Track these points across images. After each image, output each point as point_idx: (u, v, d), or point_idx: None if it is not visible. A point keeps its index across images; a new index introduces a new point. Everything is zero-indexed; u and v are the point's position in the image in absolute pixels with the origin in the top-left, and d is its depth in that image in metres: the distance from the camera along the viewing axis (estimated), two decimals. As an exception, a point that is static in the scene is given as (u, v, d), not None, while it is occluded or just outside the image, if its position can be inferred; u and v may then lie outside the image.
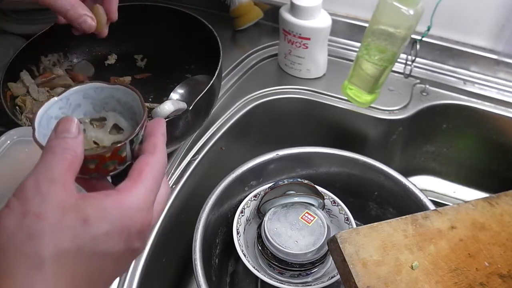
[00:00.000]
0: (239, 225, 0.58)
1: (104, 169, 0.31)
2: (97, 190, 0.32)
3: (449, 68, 0.72)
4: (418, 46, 0.64)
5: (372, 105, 0.68)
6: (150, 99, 0.67)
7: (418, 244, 0.45)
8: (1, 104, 0.58)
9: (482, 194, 0.77)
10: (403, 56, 0.67)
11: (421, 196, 0.56)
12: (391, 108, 0.68)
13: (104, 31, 0.53)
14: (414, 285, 0.42)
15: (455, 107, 0.69)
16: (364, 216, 0.66)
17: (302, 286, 0.54)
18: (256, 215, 0.62)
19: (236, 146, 0.70)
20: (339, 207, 0.60)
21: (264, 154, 0.61)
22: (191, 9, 0.69)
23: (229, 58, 0.73)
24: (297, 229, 0.56)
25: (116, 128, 0.35)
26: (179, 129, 0.56)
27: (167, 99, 0.62)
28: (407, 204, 0.57)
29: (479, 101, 0.69)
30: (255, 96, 0.71)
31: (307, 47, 0.68)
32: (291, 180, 0.59)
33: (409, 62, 0.67)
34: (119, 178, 0.31)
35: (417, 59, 0.67)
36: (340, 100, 0.70)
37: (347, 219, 0.59)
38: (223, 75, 0.70)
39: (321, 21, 0.66)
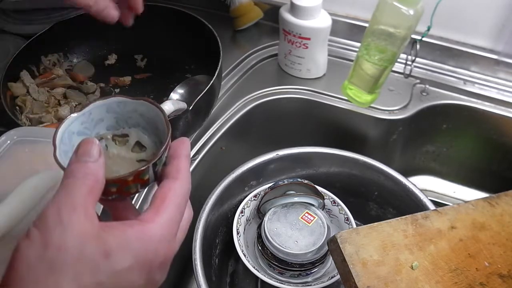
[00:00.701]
0: (239, 225, 0.58)
1: (125, 192, 0.30)
2: (119, 211, 0.32)
3: (449, 68, 0.72)
4: (418, 46, 0.63)
5: (372, 105, 0.68)
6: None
7: (418, 244, 0.45)
8: (1, 104, 0.58)
9: (482, 194, 0.77)
10: (403, 56, 0.67)
11: (421, 196, 0.56)
12: (391, 108, 0.68)
13: (130, 20, 0.54)
14: (414, 285, 0.42)
15: (455, 107, 0.69)
16: (364, 216, 0.66)
17: (302, 286, 0.54)
18: (256, 215, 0.62)
19: (236, 146, 0.70)
20: (339, 207, 0.60)
21: (264, 154, 0.61)
22: (191, 9, 0.69)
23: (229, 58, 0.73)
24: (297, 229, 0.56)
25: (139, 145, 0.34)
26: (179, 129, 0.56)
27: (167, 99, 0.62)
28: (407, 204, 0.57)
29: (479, 101, 0.69)
30: (255, 96, 0.71)
31: (307, 47, 0.68)
32: (291, 180, 0.59)
33: (409, 62, 0.67)
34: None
35: (417, 59, 0.67)
36: (340, 100, 0.70)
37: (347, 219, 0.59)
38: (223, 75, 0.70)
39: (321, 21, 0.66)
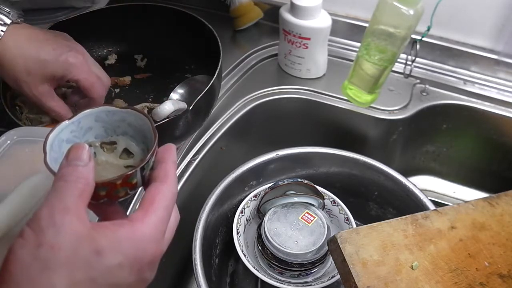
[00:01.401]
0: (239, 225, 0.58)
1: (114, 195, 0.31)
2: (108, 215, 0.33)
3: (449, 68, 0.72)
4: (418, 46, 0.64)
5: (372, 105, 0.68)
6: (150, 99, 0.67)
7: (418, 244, 0.45)
8: (1, 104, 0.58)
9: (482, 194, 0.77)
10: (403, 56, 0.67)
11: (421, 196, 0.56)
12: (391, 108, 0.68)
13: None
14: (414, 285, 0.42)
15: (455, 107, 0.69)
16: (364, 216, 0.66)
17: (302, 286, 0.54)
18: (256, 215, 0.62)
19: (236, 146, 0.70)
20: (339, 207, 0.60)
21: (264, 154, 0.61)
22: (191, 9, 0.69)
23: (229, 58, 0.73)
24: (297, 229, 0.56)
25: (127, 152, 0.35)
26: (179, 129, 0.56)
27: (167, 99, 0.62)
28: (407, 204, 0.57)
29: (479, 101, 0.69)
30: (255, 96, 0.71)
31: (307, 47, 0.68)
32: (291, 180, 0.59)
33: (409, 62, 0.67)
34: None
35: (417, 59, 0.67)
36: (340, 100, 0.70)
37: (347, 219, 0.59)
38: (223, 75, 0.70)
39: (321, 21, 0.66)
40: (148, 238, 0.28)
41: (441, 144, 0.75)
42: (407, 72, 0.68)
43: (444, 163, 0.77)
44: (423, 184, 0.79)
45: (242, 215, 0.59)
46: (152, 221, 0.29)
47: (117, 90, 0.69)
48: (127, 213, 0.51)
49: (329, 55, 0.72)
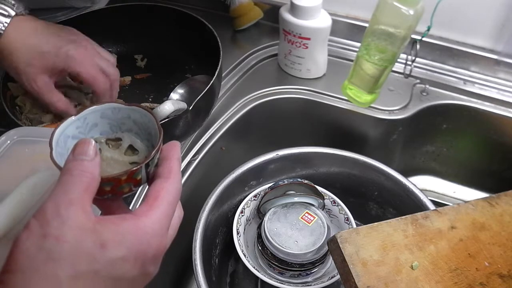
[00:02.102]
0: (239, 225, 0.58)
1: (119, 191, 0.31)
2: (112, 211, 0.33)
3: (449, 68, 0.72)
4: (418, 46, 0.64)
5: (372, 105, 0.68)
6: (150, 99, 0.67)
7: (418, 244, 0.45)
8: (1, 104, 0.58)
9: (482, 194, 0.77)
10: (403, 56, 0.67)
11: (421, 196, 0.56)
12: (391, 108, 0.68)
13: None
14: (414, 285, 0.42)
15: (455, 107, 0.69)
16: (364, 216, 0.66)
17: (302, 286, 0.54)
18: (256, 215, 0.62)
19: (236, 146, 0.70)
20: (339, 207, 0.60)
21: (264, 154, 0.61)
22: (191, 9, 0.69)
23: (229, 58, 0.73)
24: (297, 229, 0.56)
25: (131, 149, 0.35)
26: (179, 129, 0.56)
27: (167, 99, 0.62)
28: (407, 204, 0.57)
29: (479, 101, 0.69)
30: (255, 96, 0.71)
31: (307, 47, 0.68)
32: (291, 180, 0.59)
33: (409, 62, 0.67)
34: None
35: (417, 59, 0.67)
36: (340, 100, 0.70)
37: (347, 219, 0.59)
38: (223, 75, 0.70)
39: (321, 21, 0.66)
40: (152, 232, 0.29)
41: (441, 144, 0.75)
42: (407, 72, 0.68)
43: (444, 163, 0.77)
44: (423, 184, 0.79)
45: (242, 215, 0.59)
46: (156, 215, 0.29)
47: (117, 90, 0.69)
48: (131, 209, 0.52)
49: (329, 55, 0.72)
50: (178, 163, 0.32)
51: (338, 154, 0.61)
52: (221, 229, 0.61)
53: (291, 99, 0.71)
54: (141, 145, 0.35)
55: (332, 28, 0.67)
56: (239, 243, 0.56)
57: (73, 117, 0.33)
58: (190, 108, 0.54)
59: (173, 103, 0.52)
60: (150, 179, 0.32)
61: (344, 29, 0.76)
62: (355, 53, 0.65)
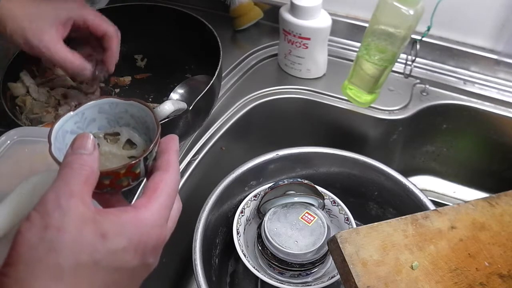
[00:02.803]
0: (239, 225, 0.58)
1: (118, 185, 0.31)
2: (111, 204, 0.33)
3: (449, 68, 0.72)
4: (418, 46, 0.63)
5: (372, 105, 0.68)
6: (150, 99, 0.67)
7: (418, 244, 0.45)
8: (1, 104, 0.58)
9: (482, 194, 0.77)
10: (403, 56, 0.67)
11: (421, 196, 0.56)
12: (391, 108, 0.68)
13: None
14: (414, 285, 0.42)
15: (455, 107, 0.69)
16: (364, 216, 0.66)
17: (302, 286, 0.54)
18: (256, 215, 0.62)
19: (236, 146, 0.70)
20: (339, 207, 0.60)
21: (264, 154, 0.61)
22: (191, 9, 0.69)
23: (229, 58, 0.73)
24: (297, 229, 0.56)
25: (130, 143, 0.35)
26: (179, 129, 0.56)
27: (167, 99, 0.62)
28: (407, 204, 0.57)
29: (479, 101, 0.69)
30: (255, 96, 0.71)
31: (307, 47, 0.68)
32: (291, 180, 0.59)
33: (409, 62, 0.67)
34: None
35: (417, 59, 0.67)
36: (340, 100, 0.70)
37: (347, 219, 0.59)
38: (223, 75, 0.70)
39: (321, 21, 0.66)
40: (152, 223, 0.29)
41: (441, 144, 0.75)
42: (407, 72, 0.68)
43: (444, 163, 0.77)
44: (423, 184, 0.79)
45: (242, 215, 0.59)
46: (155, 207, 0.29)
47: (117, 90, 0.69)
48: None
49: (329, 55, 0.72)
50: (176, 155, 0.33)
51: (338, 154, 0.61)
52: (221, 229, 0.61)
53: (291, 99, 0.71)
54: (139, 139, 0.35)
55: (332, 28, 0.67)
56: (239, 243, 0.56)
57: (71, 113, 0.33)
58: (190, 108, 0.54)
59: (173, 103, 0.52)
60: (149, 173, 0.32)
61: (344, 29, 0.76)
62: (355, 53, 0.65)
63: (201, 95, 0.55)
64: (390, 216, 0.63)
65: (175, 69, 0.71)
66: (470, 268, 0.44)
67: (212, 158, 0.65)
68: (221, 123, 0.67)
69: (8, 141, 0.45)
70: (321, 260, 0.56)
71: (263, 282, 0.57)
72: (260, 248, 0.57)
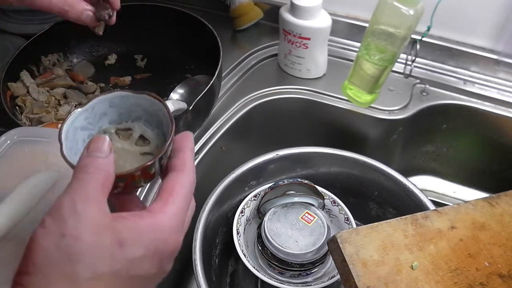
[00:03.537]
0: (239, 225, 0.58)
1: (132, 186, 0.31)
2: (125, 205, 0.32)
3: (449, 68, 0.72)
4: (418, 46, 0.63)
5: (372, 105, 0.68)
6: (150, 99, 0.67)
7: (418, 244, 0.45)
8: (1, 104, 0.58)
9: (482, 194, 0.77)
10: (403, 56, 0.67)
11: (421, 196, 0.56)
12: (391, 108, 0.68)
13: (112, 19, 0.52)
14: (414, 285, 0.42)
15: (455, 107, 0.69)
16: (364, 216, 0.66)
17: (302, 286, 0.54)
18: (256, 215, 0.62)
19: (236, 146, 0.70)
20: (339, 207, 0.60)
21: (264, 154, 0.61)
22: (191, 9, 0.69)
23: (229, 58, 0.73)
24: (297, 229, 0.56)
25: (142, 138, 0.34)
26: (179, 129, 0.56)
27: (167, 99, 0.62)
28: (407, 204, 0.57)
29: (479, 101, 0.69)
30: (255, 96, 0.71)
31: (307, 47, 0.68)
32: (291, 180, 0.59)
33: (409, 62, 0.67)
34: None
35: (417, 59, 0.67)
36: (340, 100, 0.70)
37: (347, 219, 0.59)
38: (223, 75, 0.70)
39: (321, 21, 0.66)
40: (170, 230, 0.28)
41: (441, 144, 0.75)
42: (407, 72, 0.68)
43: (444, 163, 0.77)
44: (423, 184, 0.79)
45: (242, 215, 0.59)
46: (172, 212, 0.29)
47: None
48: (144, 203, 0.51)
49: (329, 55, 0.72)
50: (191, 154, 0.32)
51: (338, 154, 0.61)
52: (221, 229, 0.61)
53: (291, 99, 0.71)
54: (151, 134, 0.34)
55: (332, 28, 0.67)
56: (239, 243, 0.56)
57: (80, 109, 0.32)
58: (190, 108, 0.54)
59: (173, 103, 0.52)
60: (164, 171, 0.31)
61: (344, 29, 0.76)
62: (355, 53, 0.65)
63: (201, 95, 0.55)
64: (390, 216, 0.63)
65: (175, 69, 0.71)
66: (470, 268, 0.44)
67: (212, 158, 0.65)
68: (221, 123, 0.67)
69: (8, 141, 0.45)
70: (321, 260, 0.56)
71: (263, 282, 0.57)
72: (260, 248, 0.57)
